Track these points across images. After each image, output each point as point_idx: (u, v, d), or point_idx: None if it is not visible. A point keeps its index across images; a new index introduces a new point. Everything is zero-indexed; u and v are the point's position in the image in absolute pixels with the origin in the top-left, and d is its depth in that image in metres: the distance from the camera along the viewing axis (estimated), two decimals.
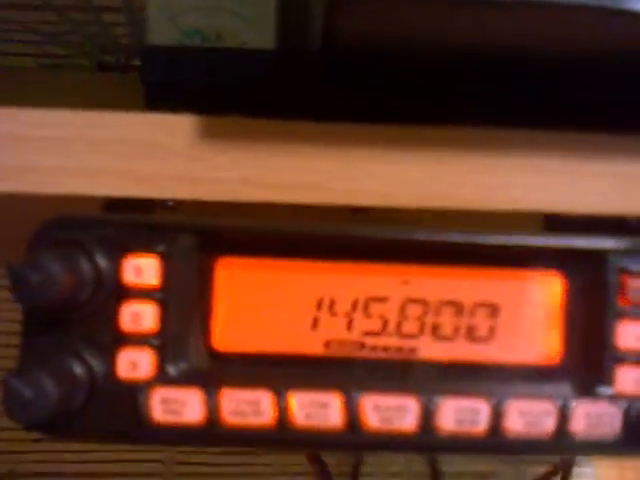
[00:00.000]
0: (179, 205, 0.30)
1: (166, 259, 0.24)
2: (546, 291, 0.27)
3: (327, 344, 0.26)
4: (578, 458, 0.53)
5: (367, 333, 0.26)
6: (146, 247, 0.24)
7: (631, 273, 0.26)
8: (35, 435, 0.23)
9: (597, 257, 0.26)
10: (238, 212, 0.28)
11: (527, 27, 0.24)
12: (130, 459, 0.51)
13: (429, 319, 0.26)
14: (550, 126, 0.27)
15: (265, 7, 0.29)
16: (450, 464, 0.54)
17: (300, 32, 0.28)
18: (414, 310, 0.27)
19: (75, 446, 0.49)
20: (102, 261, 0.24)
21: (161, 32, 0.30)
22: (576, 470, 0.53)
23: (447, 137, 0.27)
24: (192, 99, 0.30)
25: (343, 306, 0.26)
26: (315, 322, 0.26)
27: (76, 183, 0.25)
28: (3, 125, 0.25)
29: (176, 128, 0.26)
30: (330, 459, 0.50)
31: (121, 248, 0.24)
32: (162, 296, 0.24)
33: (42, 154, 0.25)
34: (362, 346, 0.26)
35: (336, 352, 0.26)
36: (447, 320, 0.27)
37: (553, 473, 0.48)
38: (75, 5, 0.49)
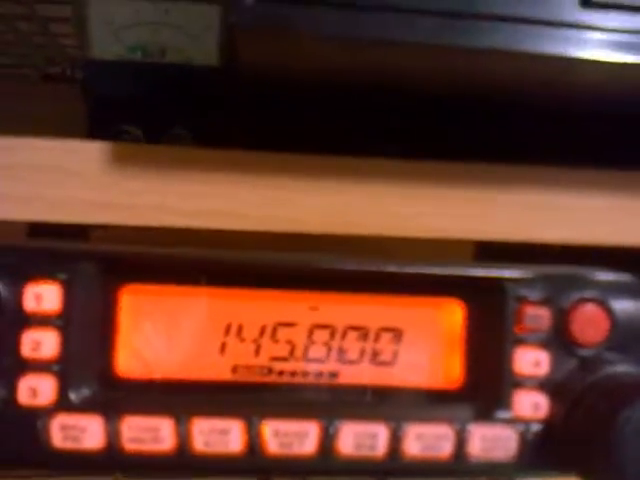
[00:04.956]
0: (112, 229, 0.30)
1: (68, 286, 0.24)
2: (447, 318, 0.28)
3: (234, 369, 0.27)
4: None
5: (274, 358, 0.27)
6: (48, 274, 0.24)
7: (528, 301, 0.27)
8: None
9: (496, 286, 0.27)
10: (164, 238, 0.28)
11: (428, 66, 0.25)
12: None
13: (335, 344, 0.27)
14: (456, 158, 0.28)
15: (210, 22, 0.30)
16: None
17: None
18: (321, 335, 0.27)
19: None
20: (3, 288, 0.24)
21: (103, 46, 0.30)
22: None
23: (361, 167, 0.27)
24: (133, 113, 0.30)
25: (251, 331, 0.27)
26: (223, 347, 0.27)
27: None
28: None
29: (86, 154, 0.26)
30: None
31: (23, 275, 0.24)
32: (63, 323, 0.24)
33: None
34: (269, 371, 0.27)
35: (243, 377, 0.27)
36: (353, 345, 0.27)
37: None
38: (22, 14, 0.48)
